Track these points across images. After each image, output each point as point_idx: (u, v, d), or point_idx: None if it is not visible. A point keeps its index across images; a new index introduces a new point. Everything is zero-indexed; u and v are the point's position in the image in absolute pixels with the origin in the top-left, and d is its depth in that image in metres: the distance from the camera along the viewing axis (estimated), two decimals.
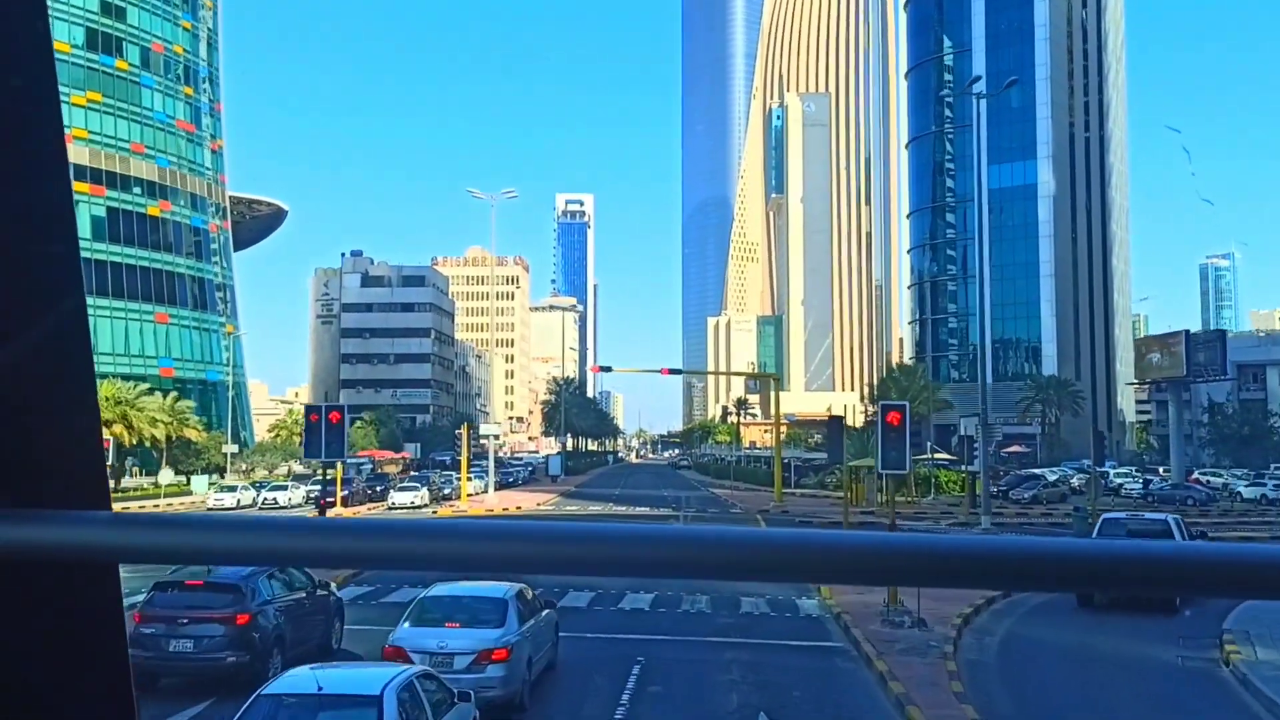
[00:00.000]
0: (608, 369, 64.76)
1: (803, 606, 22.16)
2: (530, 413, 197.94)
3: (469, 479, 60.83)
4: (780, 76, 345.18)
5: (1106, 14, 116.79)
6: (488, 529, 0.88)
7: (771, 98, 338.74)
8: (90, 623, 1.10)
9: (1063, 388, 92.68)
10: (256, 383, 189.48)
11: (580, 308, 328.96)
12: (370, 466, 77.49)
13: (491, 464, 59.30)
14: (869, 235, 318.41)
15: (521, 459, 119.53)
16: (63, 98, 1.17)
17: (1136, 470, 76.10)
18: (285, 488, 58.97)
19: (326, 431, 25.12)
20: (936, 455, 67.75)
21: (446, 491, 60.13)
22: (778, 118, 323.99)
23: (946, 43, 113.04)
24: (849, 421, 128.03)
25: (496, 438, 62.98)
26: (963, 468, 59.39)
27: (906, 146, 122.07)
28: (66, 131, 1.20)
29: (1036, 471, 69.16)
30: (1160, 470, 76.91)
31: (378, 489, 59.44)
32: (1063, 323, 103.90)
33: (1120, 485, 64.87)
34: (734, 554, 0.85)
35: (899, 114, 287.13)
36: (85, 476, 1.08)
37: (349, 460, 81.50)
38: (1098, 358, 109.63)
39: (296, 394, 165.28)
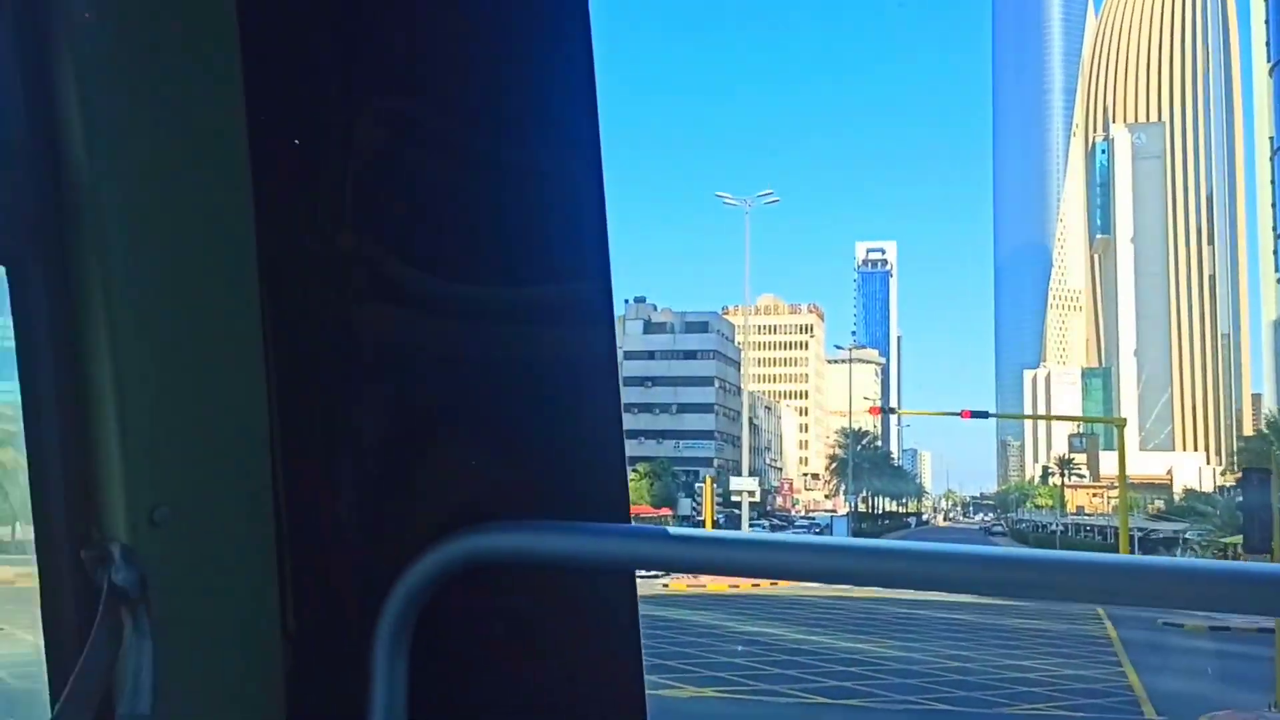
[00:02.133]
0: (891, 411, 54.06)
1: None
2: (827, 468, 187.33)
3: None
4: (1105, 109, 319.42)
5: None
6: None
7: (1095, 132, 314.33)
8: (611, 626, 1.20)
9: None
10: None
11: (883, 359, 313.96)
12: None
13: (745, 522, 49.62)
14: (1212, 278, 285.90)
15: (813, 518, 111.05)
16: None
17: None
18: None
19: None
20: None
21: None
22: (1102, 152, 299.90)
23: None
24: (1197, 485, 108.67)
25: (751, 493, 53.24)
26: None
27: (1271, 159, 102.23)
28: None
29: None
30: None
31: None
32: None
33: None
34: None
35: (1248, 135, 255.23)
36: (610, 489, 1.18)
37: None
38: None
39: None
